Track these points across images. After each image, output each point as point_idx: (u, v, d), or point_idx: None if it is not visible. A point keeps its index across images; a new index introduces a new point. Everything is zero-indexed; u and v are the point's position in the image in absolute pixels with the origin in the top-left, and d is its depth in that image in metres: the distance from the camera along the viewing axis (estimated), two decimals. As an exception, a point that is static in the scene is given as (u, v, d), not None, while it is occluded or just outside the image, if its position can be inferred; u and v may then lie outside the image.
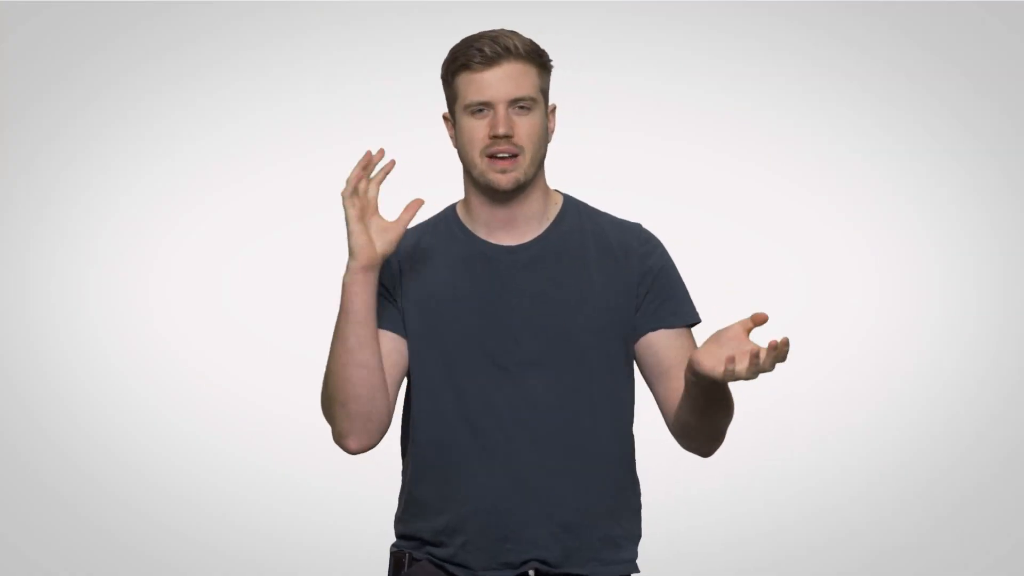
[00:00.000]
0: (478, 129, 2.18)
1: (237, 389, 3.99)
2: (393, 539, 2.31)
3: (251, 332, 4.00)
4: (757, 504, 3.97)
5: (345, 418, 2.19)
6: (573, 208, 2.30)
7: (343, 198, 2.17)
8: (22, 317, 4.02)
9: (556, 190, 2.31)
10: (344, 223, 2.17)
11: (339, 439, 2.22)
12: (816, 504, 3.99)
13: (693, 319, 2.28)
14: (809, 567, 3.95)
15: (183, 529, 3.97)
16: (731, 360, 2.01)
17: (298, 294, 3.93)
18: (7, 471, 3.99)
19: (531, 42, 2.21)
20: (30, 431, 4.01)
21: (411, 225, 2.28)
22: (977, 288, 4.04)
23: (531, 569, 2.20)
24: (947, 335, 4.04)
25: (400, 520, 2.28)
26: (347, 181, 2.17)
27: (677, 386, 2.22)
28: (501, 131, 2.16)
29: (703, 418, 2.18)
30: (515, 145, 2.17)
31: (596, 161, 3.81)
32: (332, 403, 2.20)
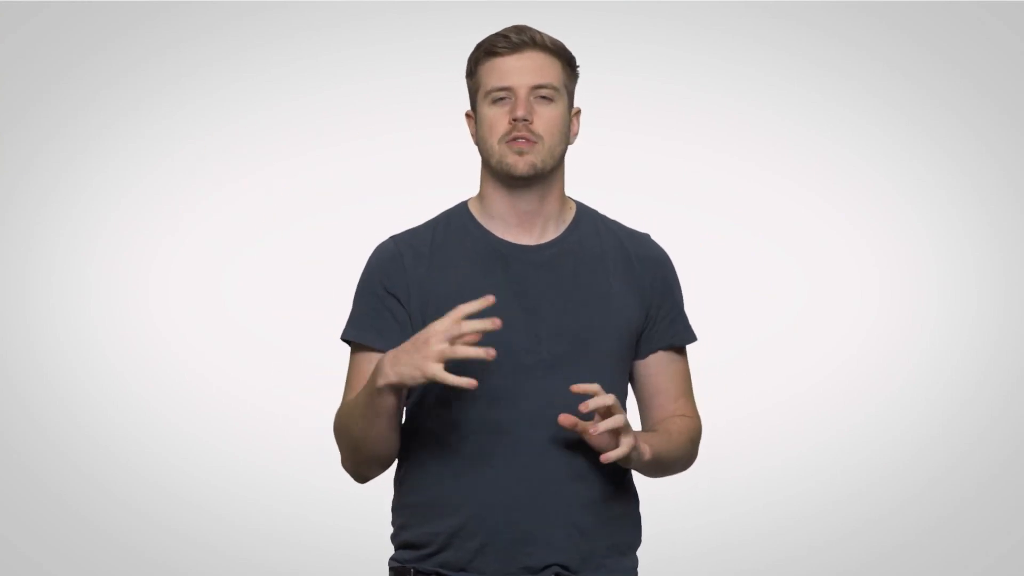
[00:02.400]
0: (498, 116, 2.16)
1: (237, 389, 3.98)
2: (390, 549, 2.29)
3: (251, 332, 4.00)
4: (757, 504, 3.97)
5: (360, 464, 2.18)
6: (587, 214, 2.30)
7: (438, 343, 1.97)
8: (22, 317, 4.02)
9: (569, 197, 2.30)
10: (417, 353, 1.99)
11: (348, 471, 2.21)
12: (816, 504, 3.99)
13: (694, 338, 2.31)
14: (809, 567, 3.95)
15: (183, 529, 3.97)
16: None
17: (298, 294, 3.93)
18: (7, 471, 3.99)
19: (559, 41, 2.21)
20: (30, 431, 4.01)
21: (421, 223, 2.28)
22: (977, 288, 4.04)
23: (553, 574, 2.17)
24: (947, 335, 4.04)
25: (404, 527, 2.24)
26: (450, 330, 1.97)
27: (657, 415, 2.27)
28: (520, 113, 2.14)
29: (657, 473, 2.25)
30: (533, 133, 2.15)
31: (595, 161, 3.81)
32: (348, 450, 2.18)
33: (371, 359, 2.20)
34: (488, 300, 1.97)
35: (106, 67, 4.03)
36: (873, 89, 4.05)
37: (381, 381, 2.03)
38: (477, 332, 1.97)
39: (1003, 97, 4.03)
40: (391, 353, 2.03)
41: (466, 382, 1.95)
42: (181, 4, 4.03)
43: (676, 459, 2.24)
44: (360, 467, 2.19)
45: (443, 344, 1.96)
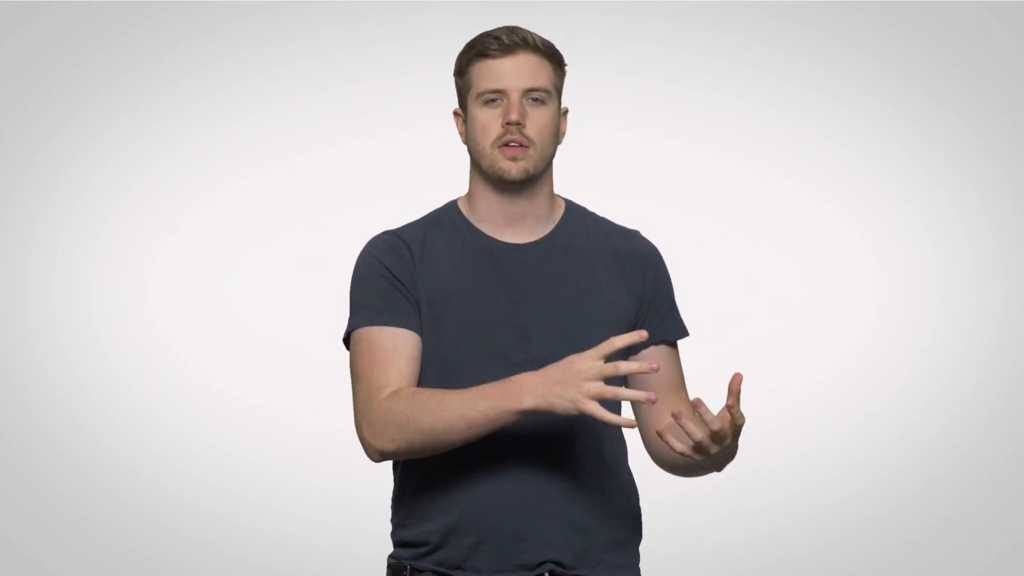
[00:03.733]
0: (491, 119, 2.17)
1: (237, 389, 3.99)
2: (389, 548, 2.28)
3: (251, 332, 4.00)
4: (757, 504, 3.97)
5: (417, 452, 2.12)
6: (576, 212, 2.30)
7: (593, 381, 1.97)
8: (22, 317, 4.02)
9: (558, 195, 2.31)
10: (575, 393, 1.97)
11: (375, 452, 2.14)
12: (816, 504, 3.99)
13: (686, 333, 2.32)
14: (809, 567, 3.95)
15: (183, 529, 3.97)
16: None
17: (298, 294, 3.93)
18: (7, 471, 3.99)
19: (549, 41, 2.21)
20: (30, 431, 4.01)
21: (411, 220, 2.28)
22: (977, 288, 4.04)
23: (547, 571, 2.17)
24: (947, 335, 4.04)
25: (402, 526, 2.25)
26: (605, 371, 1.98)
27: (664, 407, 2.24)
28: (514, 117, 2.14)
29: (716, 463, 2.20)
30: (526, 137, 2.16)
31: (595, 161, 3.82)
32: (415, 441, 2.09)
33: (393, 334, 2.17)
34: (642, 335, 1.97)
35: (106, 67, 4.03)
36: (873, 89, 4.05)
37: (529, 403, 1.99)
38: None
39: (1003, 97, 4.03)
40: (535, 378, 2.00)
41: (625, 421, 1.98)
42: (181, 4, 4.03)
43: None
44: (415, 454, 2.13)
45: (598, 384, 1.96)
